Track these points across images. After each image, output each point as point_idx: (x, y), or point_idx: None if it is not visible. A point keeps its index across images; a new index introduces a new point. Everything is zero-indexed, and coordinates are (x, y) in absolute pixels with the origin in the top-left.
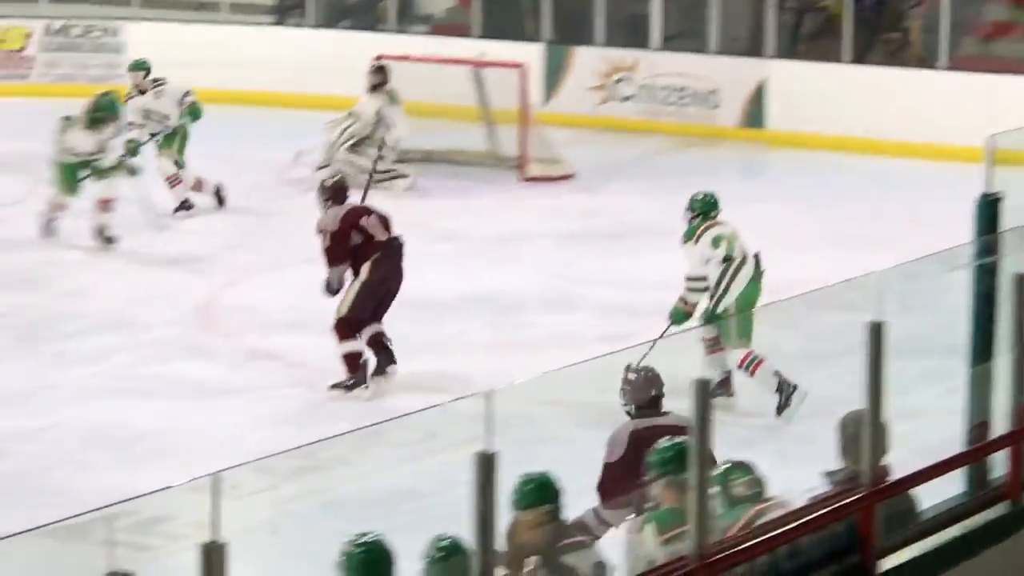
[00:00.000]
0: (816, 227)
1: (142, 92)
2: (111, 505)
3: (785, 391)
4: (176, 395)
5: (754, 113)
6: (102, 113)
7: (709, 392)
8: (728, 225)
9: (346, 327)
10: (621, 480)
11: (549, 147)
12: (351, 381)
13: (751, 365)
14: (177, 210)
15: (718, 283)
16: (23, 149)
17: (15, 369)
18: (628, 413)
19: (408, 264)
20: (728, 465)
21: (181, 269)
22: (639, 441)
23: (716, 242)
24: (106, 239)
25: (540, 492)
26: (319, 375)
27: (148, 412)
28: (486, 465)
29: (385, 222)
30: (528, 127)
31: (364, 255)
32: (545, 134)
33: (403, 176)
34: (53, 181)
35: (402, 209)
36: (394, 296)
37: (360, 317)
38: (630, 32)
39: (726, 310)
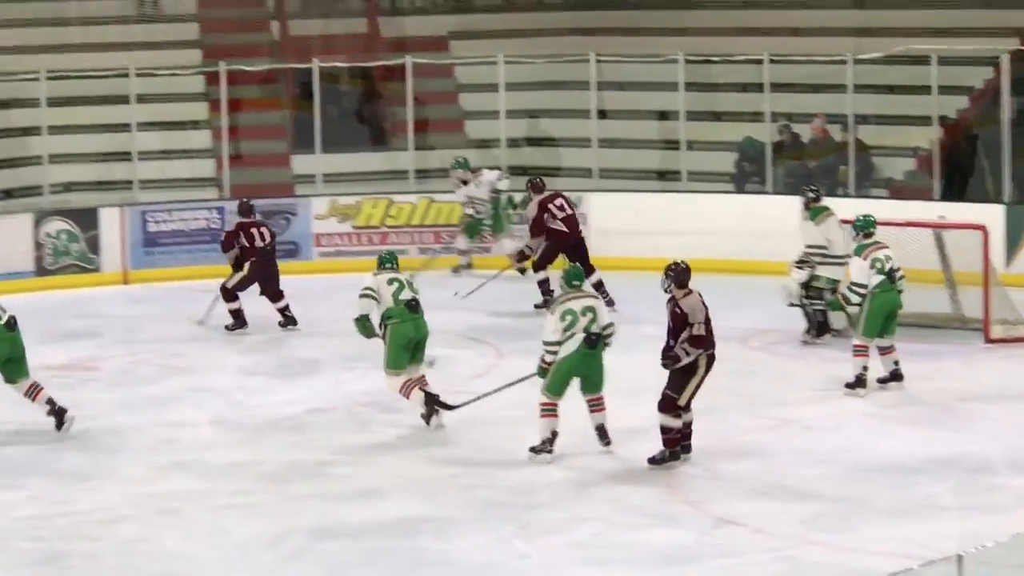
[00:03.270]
0: None
1: (465, 183)
2: None
3: None
4: (646, 563)
5: None
6: None
7: None
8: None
9: (227, 293)
10: None
11: (1012, 308)
12: (233, 324)
13: None
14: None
15: None
16: (488, 323)
17: (482, 540)
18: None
19: (872, 428)
20: None
21: (639, 438)
22: None
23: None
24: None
25: None
26: (783, 541)
27: None
28: None
29: (265, 236)
30: (991, 288)
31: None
32: (1008, 295)
33: None
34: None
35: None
36: (272, 281)
37: (240, 291)
38: None
39: None
